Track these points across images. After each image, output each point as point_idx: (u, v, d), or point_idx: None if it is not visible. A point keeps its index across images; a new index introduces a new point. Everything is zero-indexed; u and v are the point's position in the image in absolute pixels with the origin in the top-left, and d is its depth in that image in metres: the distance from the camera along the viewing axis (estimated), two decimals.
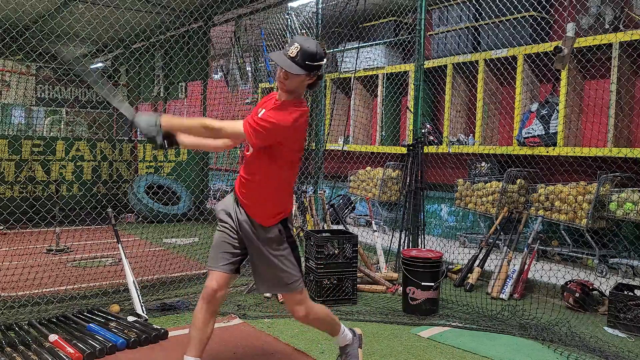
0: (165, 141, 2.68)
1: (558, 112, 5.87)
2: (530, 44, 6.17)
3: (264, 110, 2.69)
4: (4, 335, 3.46)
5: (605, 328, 4.07)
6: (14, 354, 3.16)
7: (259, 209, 2.75)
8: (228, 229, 2.80)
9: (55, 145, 8.19)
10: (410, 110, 6.23)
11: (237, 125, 2.62)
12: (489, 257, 5.33)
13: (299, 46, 2.58)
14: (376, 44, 8.12)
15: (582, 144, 5.98)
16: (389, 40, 8.05)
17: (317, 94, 7.84)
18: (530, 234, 5.26)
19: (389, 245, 5.86)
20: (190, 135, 2.76)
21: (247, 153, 2.76)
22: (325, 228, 5.44)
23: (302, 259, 5.05)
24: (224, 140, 2.90)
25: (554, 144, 5.88)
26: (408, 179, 5.58)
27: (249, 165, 2.76)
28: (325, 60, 2.67)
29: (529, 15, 6.22)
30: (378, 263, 5.48)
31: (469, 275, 5.19)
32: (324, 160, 8.09)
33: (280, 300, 4.48)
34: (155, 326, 3.68)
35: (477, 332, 3.93)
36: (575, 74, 5.92)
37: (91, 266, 5.51)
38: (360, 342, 3.13)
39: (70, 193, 8.22)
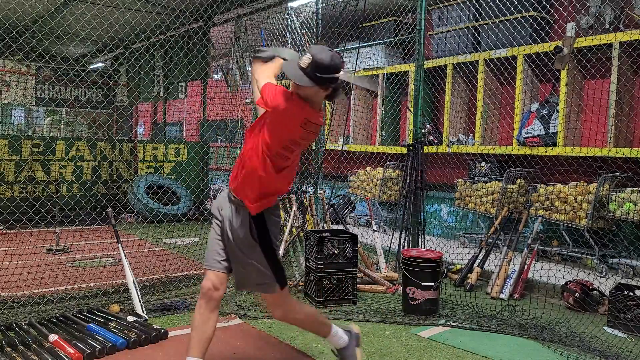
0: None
1: (558, 112, 5.88)
2: (530, 44, 6.17)
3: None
4: (4, 335, 3.46)
5: (605, 328, 4.06)
6: (14, 354, 3.16)
7: (245, 193, 2.73)
8: (217, 225, 2.85)
9: (55, 145, 8.19)
10: (410, 110, 6.22)
11: (259, 79, 2.70)
12: (489, 257, 5.33)
13: (311, 57, 2.50)
14: (376, 44, 8.12)
15: (582, 144, 5.98)
16: (389, 40, 8.06)
17: None
18: (530, 234, 5.26)
19: (389, 245, 5.86)
20: None
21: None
22: (325, 228, 5.45)
23: (302, 259, 5.07)
24: None
25: (554, 144, 5.88)
26: (408, 179, 5.58)
27: (249, 150, 2.74)
28: (342, 72, 2.57)
29: (529, 15, 6.22)
30: (378, 263, 5.48)
31: (469, 275, 5.19)
32: (324, 160, 8.09)
33: None
34: (155, 326, 3.68)
35: (477, 332, 3.93)
36: (575, 74, 5.92)
37: (91, 266, 5.51)
38: (357, 341, 3.11)
39: (70, 193, 8.22)
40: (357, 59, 7.21)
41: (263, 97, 2.58)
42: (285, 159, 2.69)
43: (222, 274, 2.77)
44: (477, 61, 6.67)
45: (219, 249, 2.79)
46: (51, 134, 12.05)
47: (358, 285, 4.73)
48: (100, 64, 14.09)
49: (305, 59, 2.51)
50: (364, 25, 8.43)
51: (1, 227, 6.97)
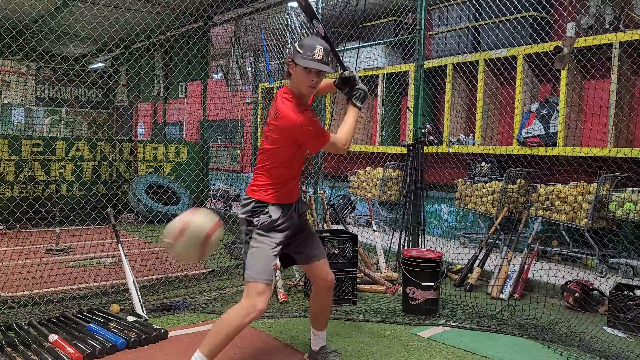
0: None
1: (558, 112, 5.87)
2: (530, 44, 6.17)
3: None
4: (4, 335, 3.46)
5: (605, 328, 4.07)
6: (14, 354, 3.16)
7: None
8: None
9: (55, 145, 8.19)
10: (410, 110, 6.23)
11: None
12: (489, 257, 5.33)
13: (322, 47, 2.73)
14: (376, 44, 8.12)
15: (582, 144, 5.98)
16: (389, 40, 8.05)
17: (317, 94, 7.83)
18: (530, 234, 5.26)
19: (389, 245, 5.86)
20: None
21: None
22: (325, 228, 5.44)
23: None
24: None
25: (554, 144, 5.88)
26: (408, 179, 5.58)
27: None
28: None
29: (529, 15, 6.22)
30: (378, 263, 5.48)
31: (469, 275, 5.19)
32: (324, 160, 8.09)
33: (280, 301, 4.48)
34: (155, 326, 3.68)
35: (477, 332, 3.93)
36: (575, 74, 5.92)
37: (91, 266, 5.51)
38: None
39: (70, 193, 8.22)
40: (357, 59, 7.21)
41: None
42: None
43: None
44: (477, 61, 6.67)
45: (275, 261, 2.86)
46: (51, 134, 12.04)
47: (358, 285, 4.73)
48: (100, 64, 14.09)
49: (319, 52, 2.76)
50: (364, 25, 8.42)
51: (1, 227, 6.97)
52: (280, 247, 2.87)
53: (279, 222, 2.83)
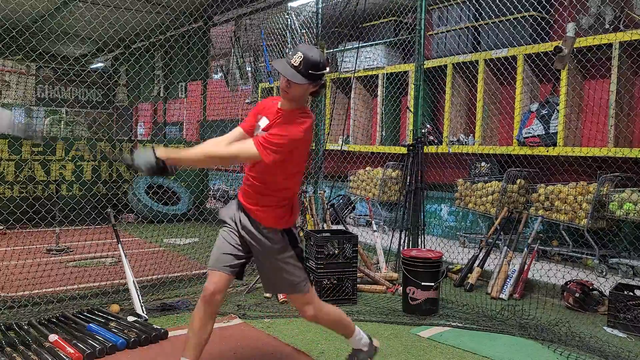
0: (169, 168, 2.67)
1: (558, 112, 5.88)
2: (530, 44, 6.17)
3: (266, 121, 2.72)
4: (4, 335, 3.45)
5: (605, 328, 4.07)
6: (14, 354, 3.16)
7: (263, 213, 2.76)
8: (231, 231, 2.83)
9: (55, 145, 8.19)
10: (410, 110, 6.23)
11: (251, 149, 2.59)
12: (489, 257, 5.33)
13: (302, 55, 2.58)
14: (376, 44, 8.12)
15: (582, 144, 5.98)
16: (389, 40, 8.05)
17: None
18: (530, 234, 5.26)
19: (389, 245, 5.86)
20: (195, 164, 2.71)
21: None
22: (325, 228, 5.44)
23: None
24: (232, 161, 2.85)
25: (554, 144, 5.88)
26: (408, 179, 5.58)
27: (254, 170, 2.77)
28: (328, 68, 2.68)
29: (529, 15, 6.22)
30: (378, 263, 5.48)
31: (469, 275, 5.19)
32: (324, 160, 8.09)
33: (280, 301, 4.48)
34: (155, 326, 3.68)
35: (477, 332, 3.93)
36: (575, 74, 5.92)
37: (91, 266, 5.50)
38: (372, 354, 3.13)
39: (70, 193, 8.22)
40: (357, 59, 7.21)
41: (273, 141, 2.58)
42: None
43: (227, 276, 2.77)
44: (477, 61, 6.67)
45: (232, 253, 2.78)
46: (51, 134, 12.04)
47: (358, 285, 4.74)
48: (100, 64, 14.10)
49: (297, 58, 2.59)
50: (364, 25, 8.42)
51: (1, 227, 6.97)
52: (229, 235, 2.83)
53: (221, 212, 2.91)
